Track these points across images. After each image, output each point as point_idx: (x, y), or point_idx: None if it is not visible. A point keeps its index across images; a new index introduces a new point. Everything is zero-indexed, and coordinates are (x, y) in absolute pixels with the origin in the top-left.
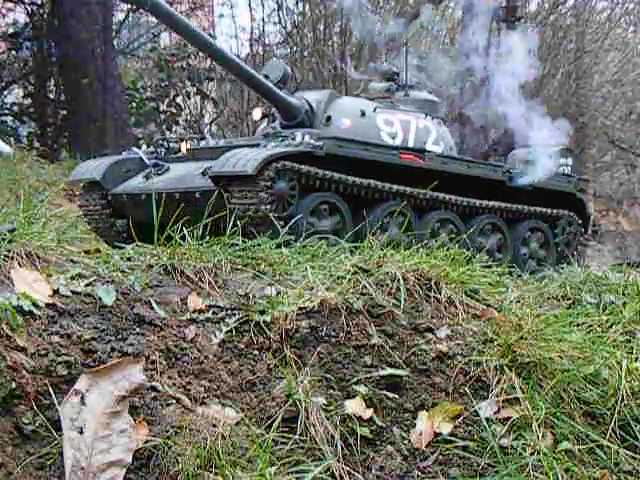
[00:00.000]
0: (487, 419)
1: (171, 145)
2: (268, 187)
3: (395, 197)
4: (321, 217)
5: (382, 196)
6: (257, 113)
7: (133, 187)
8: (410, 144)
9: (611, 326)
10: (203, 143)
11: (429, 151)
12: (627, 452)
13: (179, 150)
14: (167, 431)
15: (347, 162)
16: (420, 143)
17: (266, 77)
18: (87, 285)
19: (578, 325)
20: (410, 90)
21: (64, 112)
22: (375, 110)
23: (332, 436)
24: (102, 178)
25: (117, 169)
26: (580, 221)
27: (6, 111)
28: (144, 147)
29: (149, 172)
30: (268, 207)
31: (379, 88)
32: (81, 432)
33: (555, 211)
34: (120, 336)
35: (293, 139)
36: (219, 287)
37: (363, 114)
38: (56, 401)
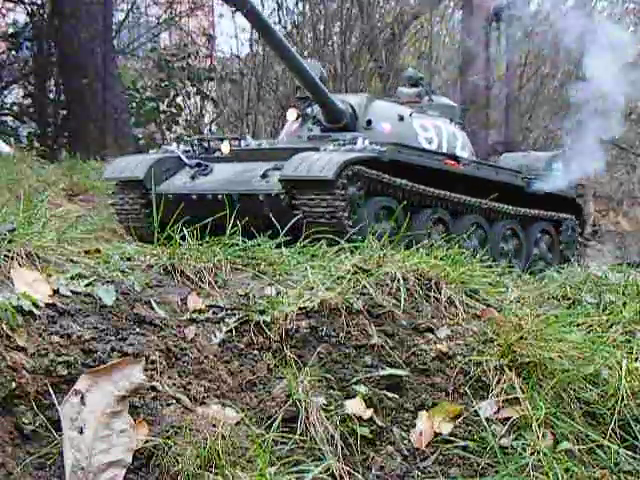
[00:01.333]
0: (487, 419)
1: (208, 144)
2: (343, 192)
3: (438, 203)
4: (381, 222)
5: (428, 202)
6: (292, 114)
7: (179, 187)
8: (444, 149)
9: (611, 326)
10: (243, 144)
11: (461, 157)
12: (627, 452)
13: (216, 150)
14: (167, 431)
15: (402, 168)
16: (451, 149)
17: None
18: (87, 285)
19: (578, 325)
20: (432, 95)
21: (64, 112)
22: (411, 115)
23: (332, 436)
24: (145, 177)
25: (158, 168)
26: (578, 223)
27: (6, 111)
28: (175, 144)
29: (195, 172)
30: (344, 212)
31: (410, 93)
32: (81, 432)
33: (559, 215)
34: (120, 336)
35: (354, 143)
36: (219, 287)
37: (401, 118)
38: (56, 401)
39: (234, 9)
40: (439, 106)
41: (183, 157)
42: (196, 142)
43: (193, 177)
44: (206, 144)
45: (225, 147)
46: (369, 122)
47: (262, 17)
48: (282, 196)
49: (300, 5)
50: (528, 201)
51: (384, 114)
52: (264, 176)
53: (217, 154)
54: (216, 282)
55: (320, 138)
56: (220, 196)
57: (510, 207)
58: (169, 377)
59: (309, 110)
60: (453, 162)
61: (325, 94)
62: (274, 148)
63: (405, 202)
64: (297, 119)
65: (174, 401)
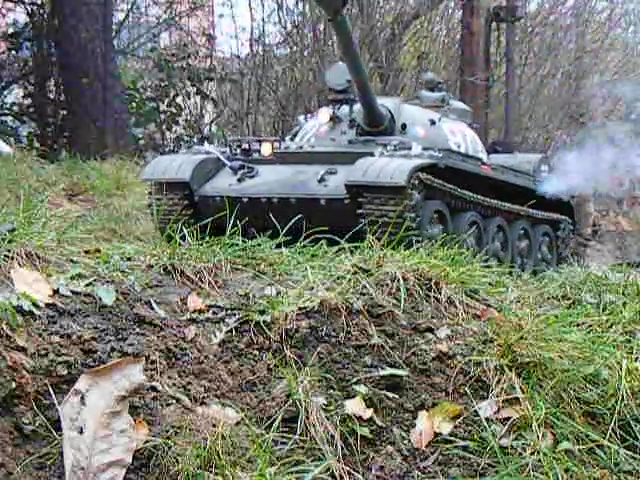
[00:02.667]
0: (487, 419)
1: (245, 145)
2: (411, 198)
3: (474, 206)
4: (433, 226)
5: (467, 206)
6: (325, 115)
7: (227, 189)
8: (470, 153)
9: (611, 326)
10: (282, 146)
11: (485, 161)
12: (627, 452)
13: (254, 152)
14: (167, 431)
15: (449, 173)
16: (475, 152)
17: (348, 81)
18: (87, 285)
19: (578, 325)
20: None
21: (64, 112)
22: (440, 119)
23: (332, 436)
24: (190, 178)
25: (201, 169)
26: (572, 224)
27: (6, 111)
28: (207, 144)
29: (242, 174)
30: (411, 217)
31: (433, 97)
32: (81, 432)
33: (558, 216)
34: (120, 336)
35: (409, 148)
36: (219, 287)
37: (433, 123)
38: (56, 401)
39: (329, 17)
40: (457, 110)
41: (223, 158)
42: (234, 143)
43: (240, 179)
44: (246, 145)
45: (266, 149)
46: (404, 126)
47: (350, 31)
48: (346, 201)
49: (300, 5)
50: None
51: (416, 118)
52: (321, 180)
53: (255, 155)
54: (216, 282)
55: (365, 142)
56: (275, 199)
57: (527, 210)
58: (169, 377)
59: (342, 112)
60: (487, 167)
61: (374, 97)
62: (324, 152)
63: (452, 206)
64: (330, 121)
65: (174, 401)
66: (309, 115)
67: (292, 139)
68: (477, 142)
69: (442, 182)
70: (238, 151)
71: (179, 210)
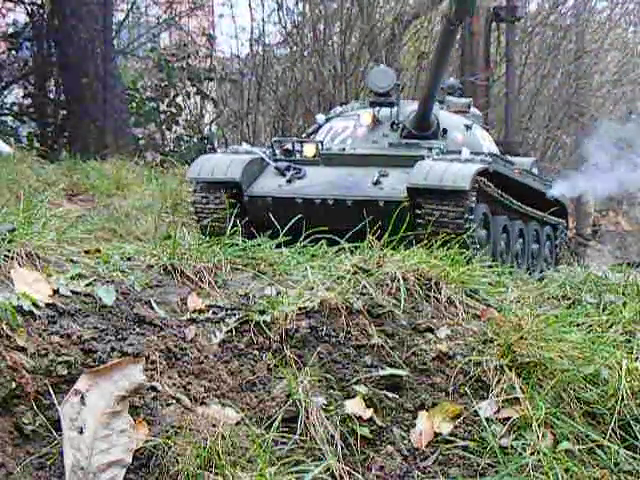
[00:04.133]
0: (487, 419)
1: (292, 146)
2: (470, 201)
3: (507, 211)
4: (479, 230)
5: (502, 211)
6: (367, 117)
7: (278, 190)
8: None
9: (611, 326)
10: (325, 147)
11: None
12: (627, 452)
13: (295, 152)
14: (167, 431)
15: (493, 177)
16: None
17: (396, 85)
18: (87, 285)
19: (578, 325)
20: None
21: (64, 112)
22: (473, 125)
23: (332, 436)
24: (241, 178)
25: (249, 169)
26: (566, 226)
27: (6, 111)
28: (245, 144)
29: (292, 175)
30: (471, 221)
31: (460, 103)
32: (81, 432)
33: (557, 219)
34: (120, 336)
35: (459, 153)
36: (219, 287)
37: (468, 128)
38: (56, 401)
39: (458, 21)
40: (475, 115)
41: (266, 158)
42: (276, 144)
43: (289, 180)
44: (289, 146)
45: (309, 150)
46: (445, 131)
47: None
48: (405, 203)
49: (300, 5)
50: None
51: (454, 123)
52: (377, 183)
53: (303, 157)
54: (216, 282)
55: (408, 145)
56: (331, 201)
57: (539, 212)
58: (169, 377)
59: (383, 114)
60: (518, 171)
61: (433, 101)
62: (373, 154)
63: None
64: (372, 123)
65: (174, 401)
66: (333, 113)
67: (311, 137)
68: (495, 147)
69: (492, 187)
70: (277, 152)
71: (226, 210)
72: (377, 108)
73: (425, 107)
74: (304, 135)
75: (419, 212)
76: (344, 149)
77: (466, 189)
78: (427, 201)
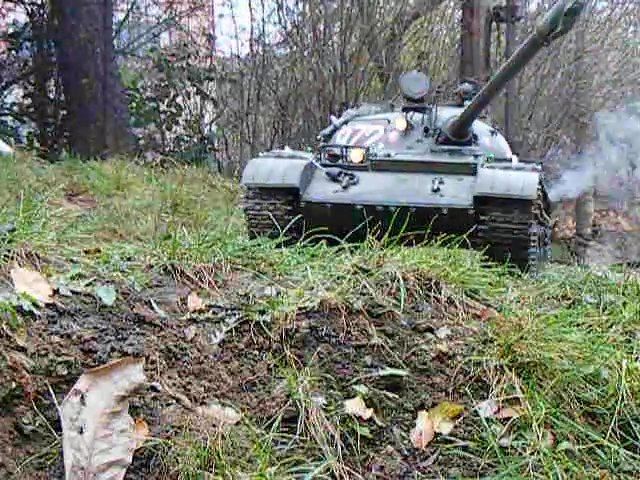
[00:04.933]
0: (487, 419)
1: (341, 151)
2: (534, 210)
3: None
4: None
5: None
6: (402, 122)
7: (336, 196)
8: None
9: (611, 326)
10: (373, 153)
11: None
12: (627, 452)
13: (340, 157)
14: (167, 431)
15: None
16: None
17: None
18: (87, 285)
19: (578, 325)
20: None
21: (64, 112)
22: (496, 131)
23: (332, 436)
24: (299, 184)
25: (304, 174)
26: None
27: (6, 111)
28: (287, 148)
29: (348, 181)
30: (532, 229)
31: None
32: (81, 432)
33: (547, 217)
34: (120, 336)
35: (510, 160)
36: (219, 287)
37: (493, 134)
38: (56, 401)
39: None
40: (492, 121)
41: (316, 163)
42: (324, 149)
43: (346, 186)
44: (337, 151)
45: (357, 155)
46: (475, 137)
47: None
48: (470, 211)
49: (300, 5)
50: None
51: (481, 129)
52: (437, 190)
53: (341, 162)
54: (216, 282)
55: (450, 152)
56: (393, 207)
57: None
58: (169, 377)
59: (415, 119)
60: None
61: (481, 110)
62: (425, 161)
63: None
64: (406, 130)
65: (174, 401)
66: (348, 116)
67: (326, 140)
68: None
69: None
70: (323, 156)
71: (281, 215)
72: (410, 113)
73: (471, 116)
74: (319, 137)
75: (484, 220)
76: (389, 155)
77: (533, 198)
78: (493, 209)
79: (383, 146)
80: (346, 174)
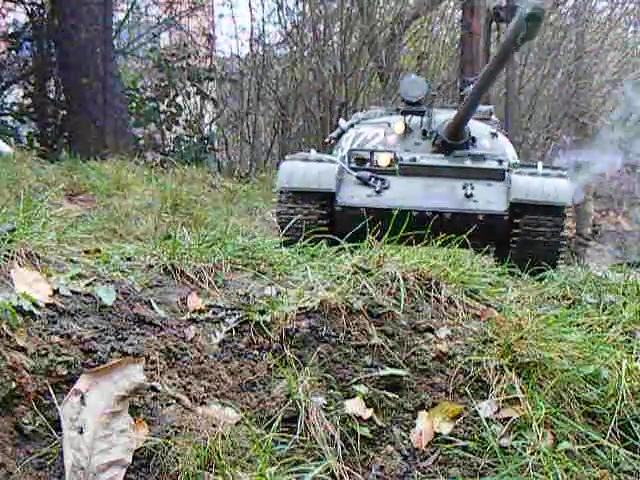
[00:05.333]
0: (487, 419)
1: (370, 155)
2: (566, 215)
3: None
4: None
5: None
6: (400, 126)
7: (370, 201)
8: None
9: (611, 326)
10: (404, 157)
11: None
12: (627, 452)
13: (366, 161)
14: (167, 431)
15: None
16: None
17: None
18: (87, 285)
19: (578, 325)
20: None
21: (64, 112)
22: (497, 132)
23: (332, 436)
24: (336, 188)
25: (338, 178)
26: None
27: (6, 111)
28: (313, 151)
29: (381, 185)
30: (563, 234)
31: (484, 110)
32: (81, 432)
33: None
34: (120, 336)
35: (535, 167)
36: (219, 287)
37: (494, 135)
38: (56, 401)
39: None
40: (495, 122)
41: (346, 167)
42: (352, 153)
43: (379, 191)
44: (366, 155)
45: (385, 159)
46: (474, 139)
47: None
48: (505, 217)
49: (300, 5)
50: None
51: (481, 131)
52: (469, 196)
53: (368, 165)
54: (216, 282)
55: (475, 157)
56: (429, 213)
57: None
58: (169, 377)
59: (413, 123)
60: None
61: (472, 114)
62: (453, 166)
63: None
64: (404, 133)
65: (174, 401)
66: (355, 119)
67: (333, 142)
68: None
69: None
70: (351, 160)
71: (315, 219)
72: (408, 116)
73: (463, 118)
74: (327, 140)
75: (518, 224)
76: (414, 159)
77: (567, 204)
78: (529, 215)
79: (383, 148)
80: (377, 178)
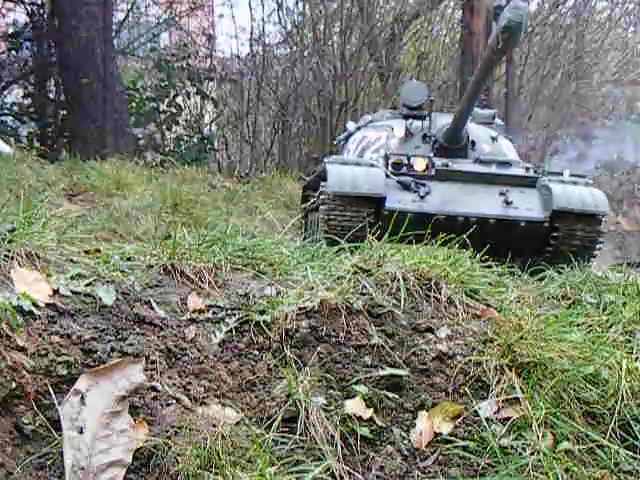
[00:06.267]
0: (487, 419)
1: (407, 160)
2: (603, 222)
3: None
4: None
5: None
6: (400, 130)
7: (414, 205)
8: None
9: (611, 326)
10: (439, 162)
11: None
12: (627, 452)
13: (403, 166)
14: (167, 431)
15: None
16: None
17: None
18: (87, 285)
19: (578, 325)
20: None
21: (64, 112)
22: (498, 136)
23: (332, 436)
24: (385, 193)
25: (385, 183)
26: None
27: (6, 111)
28: (351, 154)
29: (424, 190)
30: (598, 240)
31: (486, 114)
32: (81, 432)
33: None
34: (120, 336)
35: (561, 174)
36: (219, 287)
37: (494, 139)
38: (56, 401)
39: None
40: (500, 126)
41: (388, 173)
42: (389, 158)
43: (423, 196)
44: (404, 159)
45: (421, 164)
46: (473, 143)
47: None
48: (545, 224)
49: (300, 5)
50: None
51: (480, 135)
52: (508, 203)
53: (404, 169)
54: (216, 282)
55: (501, 164)
56: (474, 219)
57: None
58: (169, 377)
59: (414, 127)
60: None
61: (467, 119)
62: (490, 173)
63: None
64: (405, 137)
65: (174, 401)
66: (363, 122)
67: (338, 146)
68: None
69: None
70: (389, 165)
71: (365, 224)
72: (409, 121)
73: (458, 123)
74: (336, 142)
75: (557, 229)
76: (447, 165)
77: (605, 212)
78: (568, 223)
79: (385, 152)
80: (417, 183)
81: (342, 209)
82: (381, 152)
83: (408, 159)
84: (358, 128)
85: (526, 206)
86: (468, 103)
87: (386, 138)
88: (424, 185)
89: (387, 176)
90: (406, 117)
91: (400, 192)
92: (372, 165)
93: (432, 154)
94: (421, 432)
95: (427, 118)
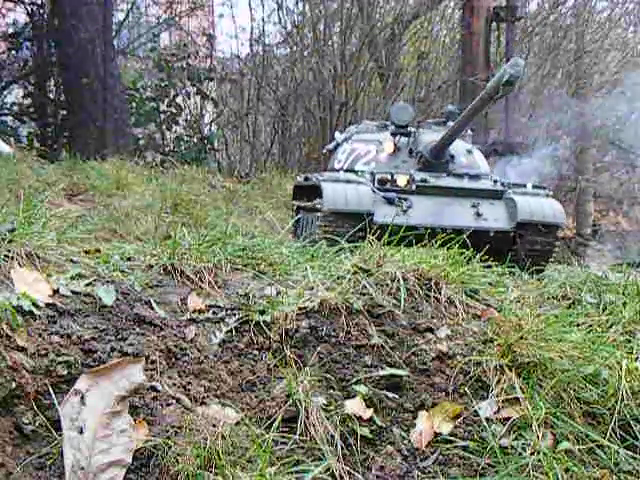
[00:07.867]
0: (487, 419)
1: (391, 176)
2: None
3: None
4: None
5: None
6: (390, 146)
7: (399, 219)
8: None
9: (611, 326)
10: (419, 178)
11: None
12: (627, 452)
13: (387, 182)
14: (167, 431)
15: None
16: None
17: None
18: (87, 285)
19: (578, 325)
20: None
21: (64, 112)
22: (472, 148)
23: (332, 436)
24: (373, 209)
25: (373, 199)
26: None
27: (6, 111)
28: (342, 173)
29: (406, 205)
30: (559, 247)
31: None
32: (81, 432)
33: None
34: (120, 336)
35: (524, 186)
36: (219, 287)
37: (469, 152)
38: (56, 401)
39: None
40: (469, 135)
41: (375, 189)
42: (374, 175)
43: (405, 210)
44: (387, 176)
45: (403, 180)
46: (452, 157)
47: None
48: (511, 233)
49: (300, 5)
50: None
51: (459, 149)
52: (479, 214)
53: (388, 185)
54: (216, 282)
55: (472, 177)
56: (449, 230)
57: None
58: (169, 377)
59: (401, 142)
60: None
61: (453, 141)
62: (463, 187)
63: None
64: (393, 152)
65: (174, 401)
66: (348, 133)
67: (329, 154)
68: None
69: None
70: (374, 181)
71: (357, 237)
72: (397, 137)
73: (446, 142)
74: (324, 151)
75: (522, 238)
76: (425, 180)
77: (563, 222)
78: (530, 232)
79: (375, 165)
80: (400, 198)
81: (336, 224)
82: (372, 165)
83: (392, 175)
84: (345, 139)
85: (494, 217)
86: (461, 128)
87: (375, 152)
88: (406, 200)
89: (374, 192)
90: (394, 134)
91: (386, 206)
92: (360, 183)
93: (417, 167)
94: (421, 432)
95: (413, 135)
